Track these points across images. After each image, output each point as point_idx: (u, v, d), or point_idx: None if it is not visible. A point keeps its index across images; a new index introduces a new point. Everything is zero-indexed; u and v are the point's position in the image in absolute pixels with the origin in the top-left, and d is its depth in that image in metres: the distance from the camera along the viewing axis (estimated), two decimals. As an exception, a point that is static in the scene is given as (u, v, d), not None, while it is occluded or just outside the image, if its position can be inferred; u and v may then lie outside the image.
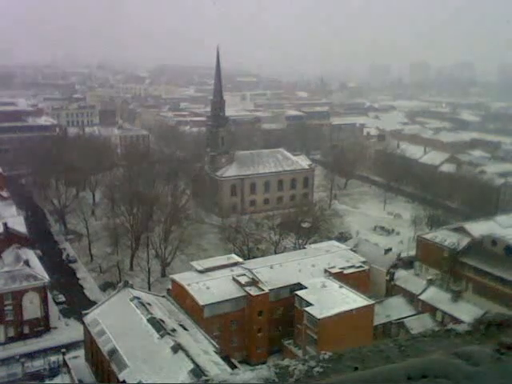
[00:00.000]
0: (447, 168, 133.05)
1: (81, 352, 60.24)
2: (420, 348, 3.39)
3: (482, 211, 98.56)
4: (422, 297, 68.09)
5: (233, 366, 48.34)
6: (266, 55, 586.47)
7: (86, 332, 57.35)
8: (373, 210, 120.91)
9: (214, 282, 62.88)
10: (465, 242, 79.37)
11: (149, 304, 56.35)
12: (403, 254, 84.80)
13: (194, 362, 44.48)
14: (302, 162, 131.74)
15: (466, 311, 60.14)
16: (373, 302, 61.43)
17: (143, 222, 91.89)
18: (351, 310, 57.32)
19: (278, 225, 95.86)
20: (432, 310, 65.83)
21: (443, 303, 65.36)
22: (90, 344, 56.64)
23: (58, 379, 58.91)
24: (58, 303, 76.99)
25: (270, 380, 2.97)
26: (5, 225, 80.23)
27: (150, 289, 76.24)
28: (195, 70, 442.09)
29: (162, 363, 45.23)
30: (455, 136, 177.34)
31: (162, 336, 48.80)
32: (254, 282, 63.57)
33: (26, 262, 71.47)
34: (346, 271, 67.94)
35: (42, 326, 70.17)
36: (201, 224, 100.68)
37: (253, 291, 62.12)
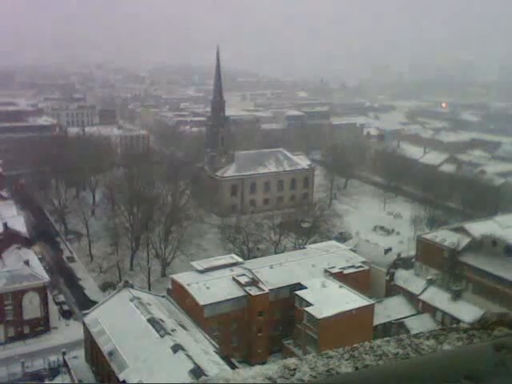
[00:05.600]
0: (447, 168, 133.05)
1: (81, 352, 60.25)
2: (420, 348, 3.40)
3: (482, 211, 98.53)
4: (422, 297, 68.09)
5: (233, 366, 48.31)
6: (266, 55, 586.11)
7: (86, 332, 57.40)
8: (373, 210, 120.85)
9: (213, 282, 62.87)
10: (465, 242, 79.30)
11: (149, 304, 56.39)
12: (403, 254, 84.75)
13: (193, 362, 44.51)
14: (302, 161, 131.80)
15: (466, 311, 60.19)
16: (373, 301, 61.52)
17: (143, 222, 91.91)
18: (351, 310, 57.37)
19: (278, 225, 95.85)
20: (432, 309, 65.86)
21: (443, 303, 65.37)
22: (90, 344, 56.68)
23: (58, 379, 58.89)
24: (57, 303, 76.87)
25: (271, 379, 2.97)
26: (5, 225, 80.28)
27: (149, 289, 76.25)
28: (195, 70, 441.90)
29: (162, 363, 45.24)
30: (455, 136, 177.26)
31: (161, 336, 48.83)
32: (254, 282, 63.59)
33: (26, 262, 71.47)
34: (345, 271, 67.97)
35: (42, 325, 70.15)
36: (201, 224, 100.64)
37: (253, 291, 62.15)
